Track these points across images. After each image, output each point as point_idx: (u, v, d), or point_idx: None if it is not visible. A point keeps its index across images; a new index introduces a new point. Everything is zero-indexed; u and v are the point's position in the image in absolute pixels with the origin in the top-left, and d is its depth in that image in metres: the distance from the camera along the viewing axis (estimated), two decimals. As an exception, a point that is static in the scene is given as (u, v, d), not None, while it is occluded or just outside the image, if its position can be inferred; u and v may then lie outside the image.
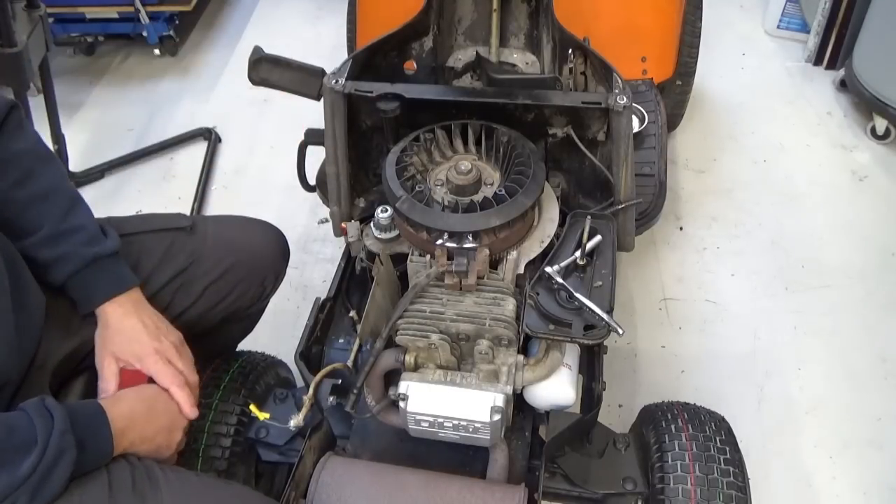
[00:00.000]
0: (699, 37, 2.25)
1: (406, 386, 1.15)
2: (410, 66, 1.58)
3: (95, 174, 2.61)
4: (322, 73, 1.40)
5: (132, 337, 1.13)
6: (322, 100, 1.36)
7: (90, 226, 1.15)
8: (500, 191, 1.23)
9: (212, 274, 1.29)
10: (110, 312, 1.13)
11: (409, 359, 1.17)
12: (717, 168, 2.52)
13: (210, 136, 2.73)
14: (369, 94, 1.32)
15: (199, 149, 2.71)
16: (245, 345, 1.58)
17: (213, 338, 1.40)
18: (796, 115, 2.71)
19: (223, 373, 1.41)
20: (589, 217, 1.24)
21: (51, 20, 2.50)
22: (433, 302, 1.19)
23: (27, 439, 0.87)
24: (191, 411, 1.14)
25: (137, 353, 1.13)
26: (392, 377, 1.20)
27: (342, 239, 1.41)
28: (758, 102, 2.77)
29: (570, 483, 1.26)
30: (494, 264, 1.26)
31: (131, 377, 1.13)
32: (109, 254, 1.14)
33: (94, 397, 1.10)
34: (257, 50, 1.44)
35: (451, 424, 1.14)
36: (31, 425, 0.88)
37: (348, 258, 1.46)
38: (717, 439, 1.26)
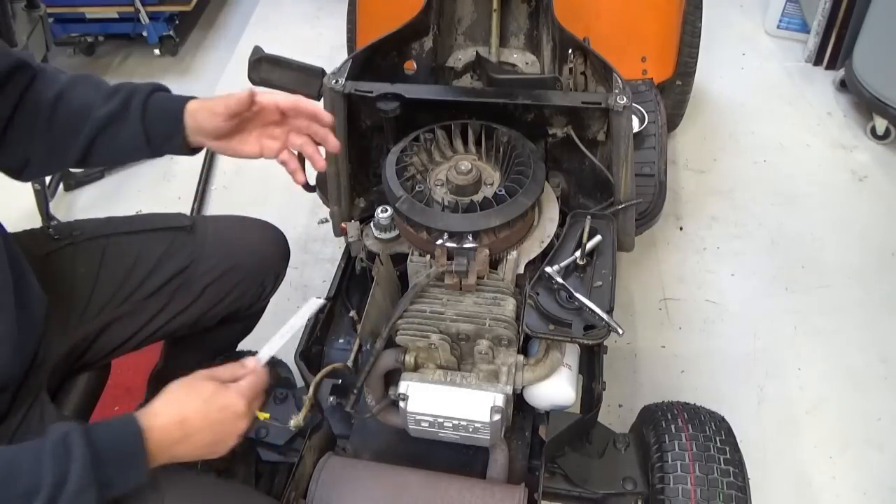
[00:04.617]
0: (699, 37, 2.25)
1: (406, 386, 1.15)
2: (410, 66, 1.58)
3: (95, 174, 2.61)
4: (322, 73, 1.40)
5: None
6: (322, 100, 1.36)
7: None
8: (500, 191, 1.22)
9: (212, 274, 1.29)
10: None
11: (409, 359, 1.17)
12: (717, 168, 2.52)
13: (210, 136, 2.72)
14: (369, 94, 1.32)
15: (199, 149, 2.71)
16: (245, 345, 1.58)
17: (212, 338, 1.40)
18: (796, 116, 2.71)
19: (223, 373, 1.41)
20: (589, 217, 1.24)
21: (51, 20, 2.50)
22: (433, 302, 1.19)
23: (30, 487, 0.77)
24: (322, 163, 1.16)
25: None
26: (392, 377, 1.20)
27: (342, 239, 1.40)
28: (758, 102, 2.77)
29: (570, 483, 1.26)
30: (494, 264, 1.26)
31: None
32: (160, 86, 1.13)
33: (96, 396, 1.10)
34: (257, 50, 1.44)
35: (451, 424, 1.14)
36: (36, 470, 0.79)
37: (348, 258, 1.46)
38: (717, 439, 1.25)
